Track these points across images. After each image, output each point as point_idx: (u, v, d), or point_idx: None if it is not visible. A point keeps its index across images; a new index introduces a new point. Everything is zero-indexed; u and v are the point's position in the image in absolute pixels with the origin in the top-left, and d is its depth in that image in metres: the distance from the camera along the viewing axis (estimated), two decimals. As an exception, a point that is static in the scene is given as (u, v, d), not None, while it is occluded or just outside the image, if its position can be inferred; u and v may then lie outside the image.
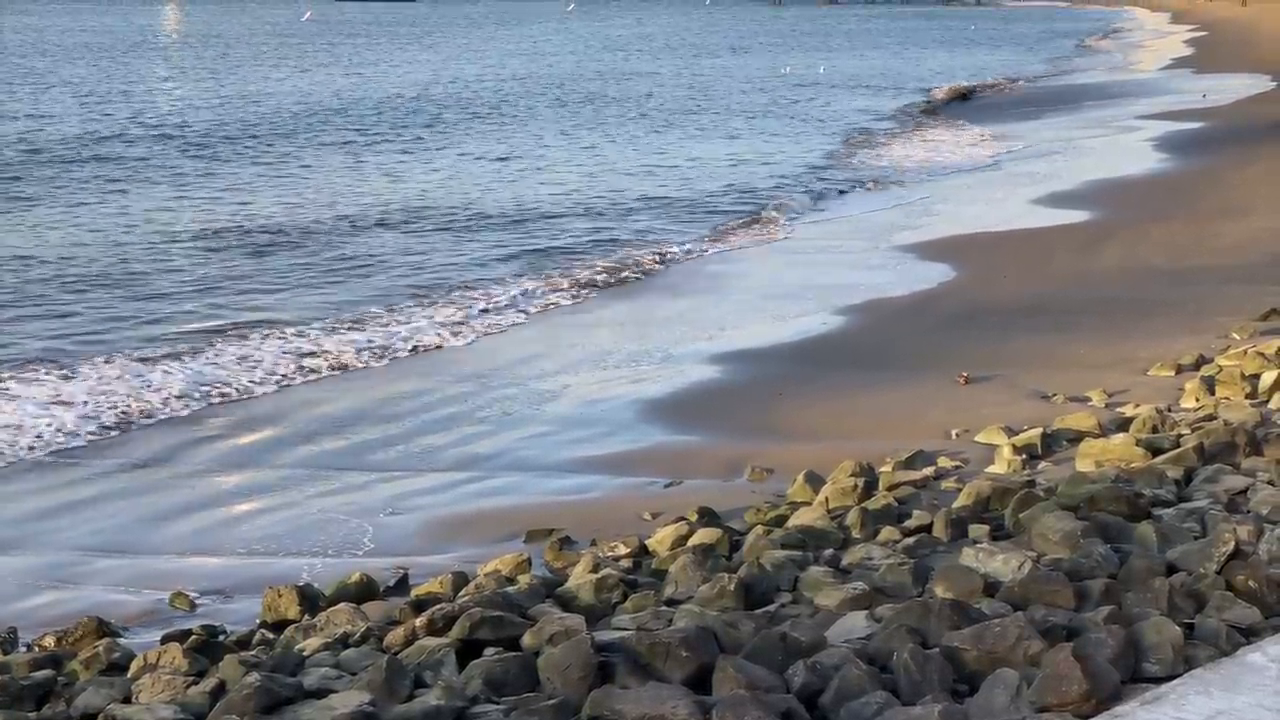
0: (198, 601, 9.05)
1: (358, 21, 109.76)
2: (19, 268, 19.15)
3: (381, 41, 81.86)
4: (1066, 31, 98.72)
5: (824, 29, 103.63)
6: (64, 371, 14.16)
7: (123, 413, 12.96)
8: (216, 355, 14.90)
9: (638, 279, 19.21)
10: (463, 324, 16.63)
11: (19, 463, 11.81)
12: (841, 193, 27.33)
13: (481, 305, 17.50)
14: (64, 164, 29.21)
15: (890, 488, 10.00)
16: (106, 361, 14.54)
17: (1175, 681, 5.67)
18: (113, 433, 12.54)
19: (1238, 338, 13.98)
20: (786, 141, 35.97)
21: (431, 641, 7.14)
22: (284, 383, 14.15)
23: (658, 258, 20.58)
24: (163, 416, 12.97)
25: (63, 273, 18.95)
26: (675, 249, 21.40)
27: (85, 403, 13.17)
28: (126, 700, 7.15)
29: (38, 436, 12.28)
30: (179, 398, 13.42)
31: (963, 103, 46.37)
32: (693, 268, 20.30)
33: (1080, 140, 34.76)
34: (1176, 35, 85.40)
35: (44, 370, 14.14)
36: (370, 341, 15.67)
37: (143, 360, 14.58)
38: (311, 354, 15.08)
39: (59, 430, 12.45)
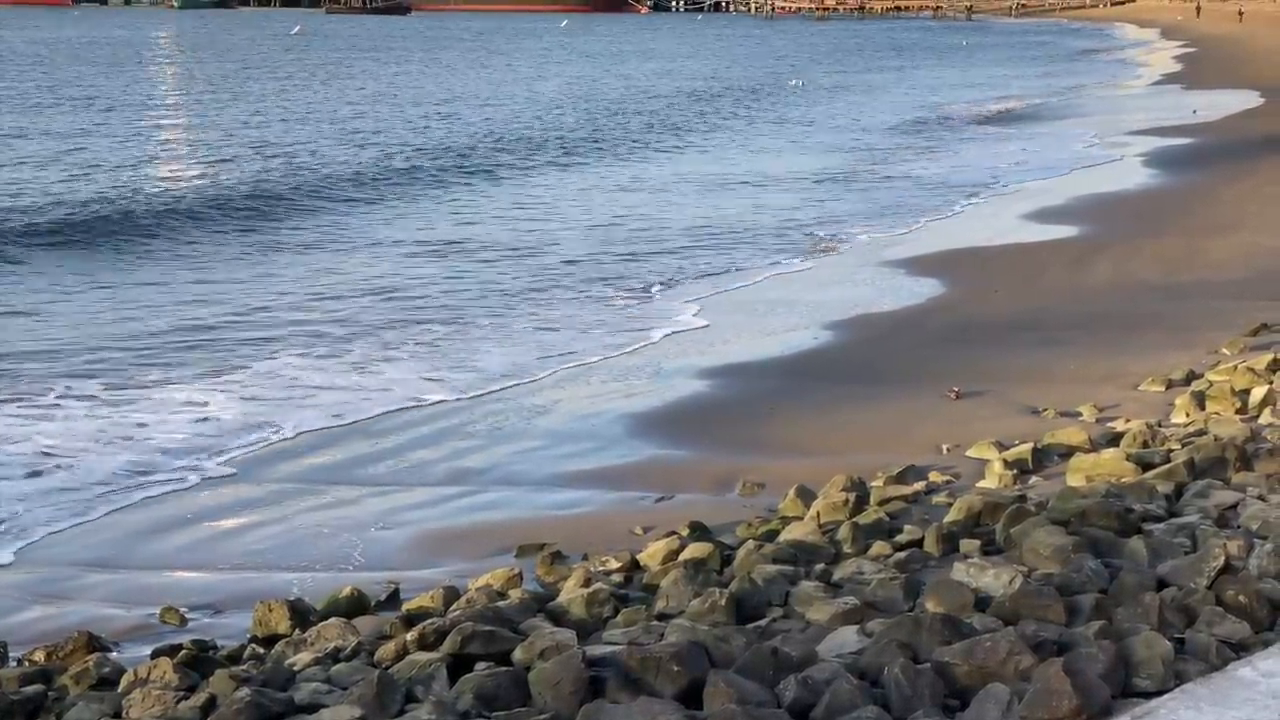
0: (188, 616, 9.03)
1: (358, 35, 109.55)
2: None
3: (396, 57, 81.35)
4: (1057, 47, 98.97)
5: (822, 44, 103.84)
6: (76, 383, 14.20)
7: (115, 428, 12.95)
8: (214, 376, 14.88)
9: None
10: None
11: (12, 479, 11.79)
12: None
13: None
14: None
15: (881, 502, 10.01)
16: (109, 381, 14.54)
17: (1165, 696, 5.68)
18: (106, 448, 12.50)
19: (1228, 353, 14.01)
20: (804, 156, 36.20)
21: (422, 656, 7.14)
22: (284, 401, 14.07)
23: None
24: (154, 433, 12.93)
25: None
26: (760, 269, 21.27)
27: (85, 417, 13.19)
28: (117, 715, 7.15)
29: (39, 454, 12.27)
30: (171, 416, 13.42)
31: (974, 122, 46.47)
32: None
33: (1072, 157, 34.93)
34: (1166, 51, 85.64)
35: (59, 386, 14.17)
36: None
37: (136, 384, 14.56)
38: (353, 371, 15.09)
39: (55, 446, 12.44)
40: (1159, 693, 5.90)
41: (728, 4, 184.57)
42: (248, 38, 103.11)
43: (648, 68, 74.82)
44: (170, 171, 31.67)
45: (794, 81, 61.54)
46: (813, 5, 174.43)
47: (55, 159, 32.58)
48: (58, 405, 13.59)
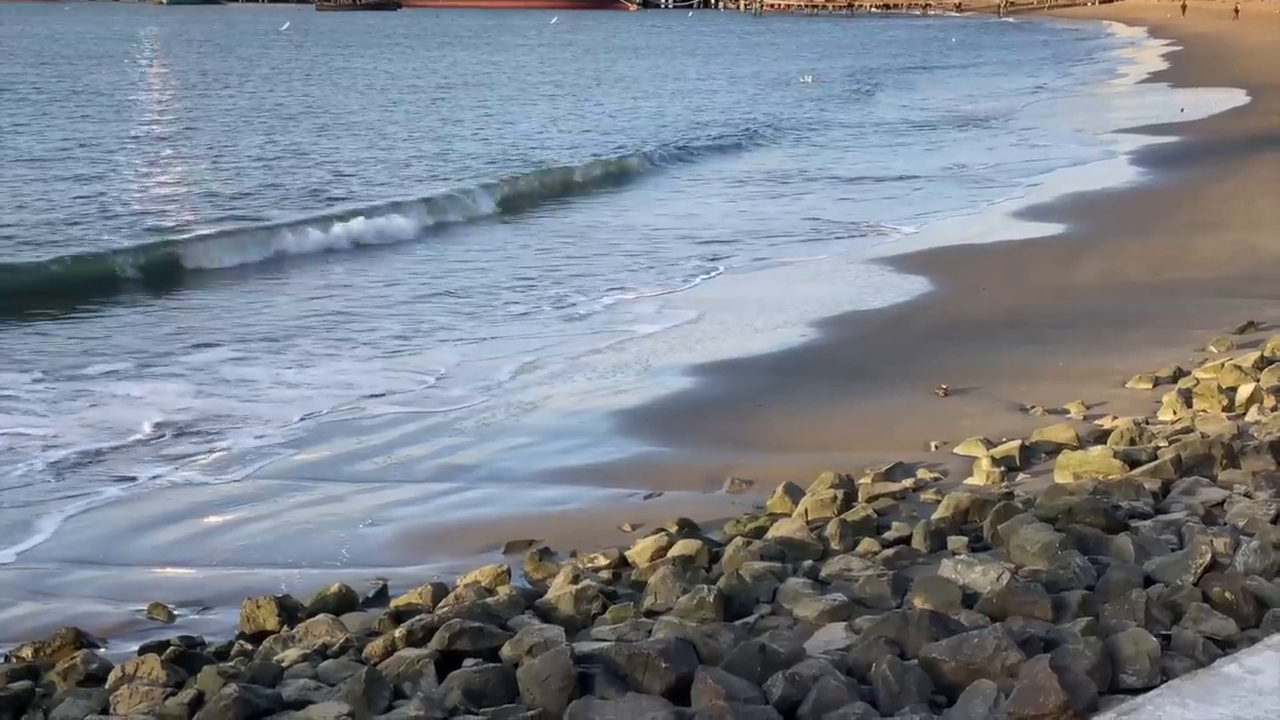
0: (176, 613, 9.02)
1: (360, 31, 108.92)
2: None
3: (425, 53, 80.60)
4: (1044, 45, 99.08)
5: (819, 42, 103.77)
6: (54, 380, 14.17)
7: (102, 427, 12.93)
8: (200, 371, 14.87)
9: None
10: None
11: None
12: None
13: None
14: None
15: (869, 499, 10.02)
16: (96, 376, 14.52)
17: (1152, 693, 5.69)
18: (92, 446, 12.48)
19: (1215, 351, 14.05)
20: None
21: (411, 653, 7.13)
22: (272, 398, 14.05)
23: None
24: (140, 431, 12.90)
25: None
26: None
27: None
28: (104, 711, 7.14)
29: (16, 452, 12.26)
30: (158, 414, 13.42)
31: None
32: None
33: (1059, 155, 35.00)
34: (1154, 49, 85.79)
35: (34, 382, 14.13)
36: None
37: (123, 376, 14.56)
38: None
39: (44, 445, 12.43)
40: (1145, 689, 5.90)
41: (716, 1, 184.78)
42: (246, 33, 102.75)
43: (643, 66, 74.75)
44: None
45: (805, 78, 61.66)
46: (802, 2, 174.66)
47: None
48: (45, 402, 13.58)
